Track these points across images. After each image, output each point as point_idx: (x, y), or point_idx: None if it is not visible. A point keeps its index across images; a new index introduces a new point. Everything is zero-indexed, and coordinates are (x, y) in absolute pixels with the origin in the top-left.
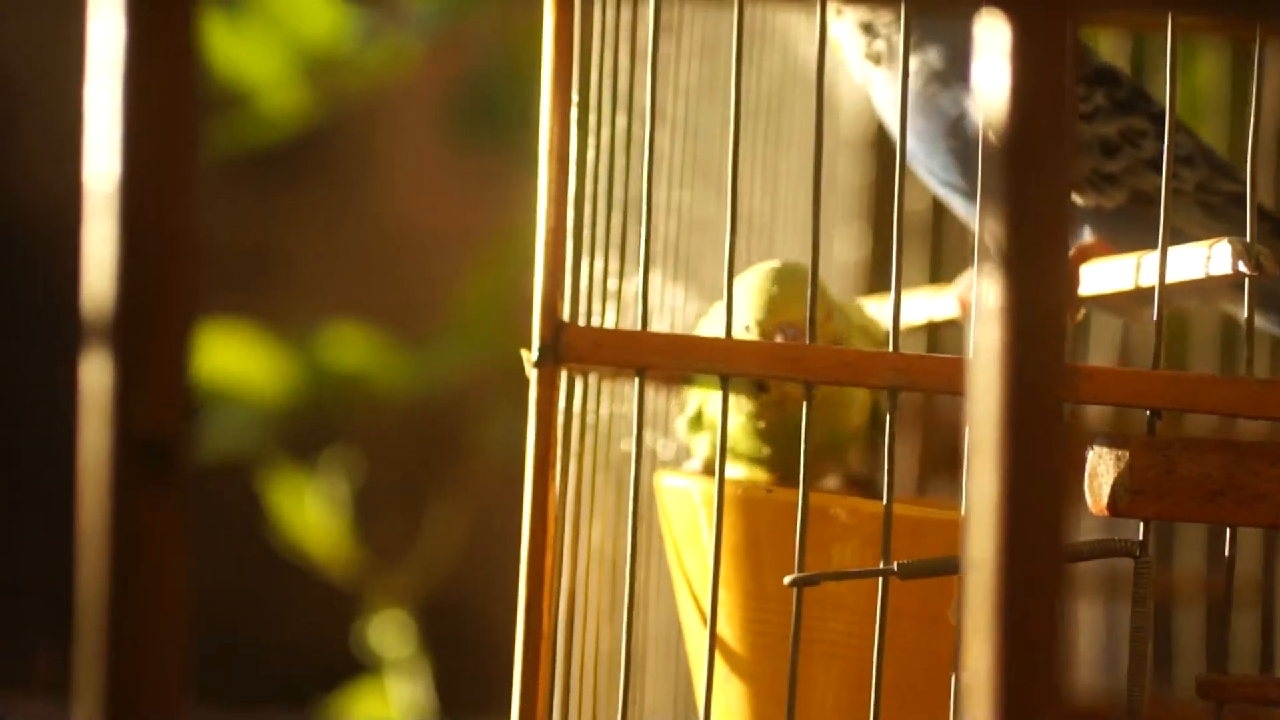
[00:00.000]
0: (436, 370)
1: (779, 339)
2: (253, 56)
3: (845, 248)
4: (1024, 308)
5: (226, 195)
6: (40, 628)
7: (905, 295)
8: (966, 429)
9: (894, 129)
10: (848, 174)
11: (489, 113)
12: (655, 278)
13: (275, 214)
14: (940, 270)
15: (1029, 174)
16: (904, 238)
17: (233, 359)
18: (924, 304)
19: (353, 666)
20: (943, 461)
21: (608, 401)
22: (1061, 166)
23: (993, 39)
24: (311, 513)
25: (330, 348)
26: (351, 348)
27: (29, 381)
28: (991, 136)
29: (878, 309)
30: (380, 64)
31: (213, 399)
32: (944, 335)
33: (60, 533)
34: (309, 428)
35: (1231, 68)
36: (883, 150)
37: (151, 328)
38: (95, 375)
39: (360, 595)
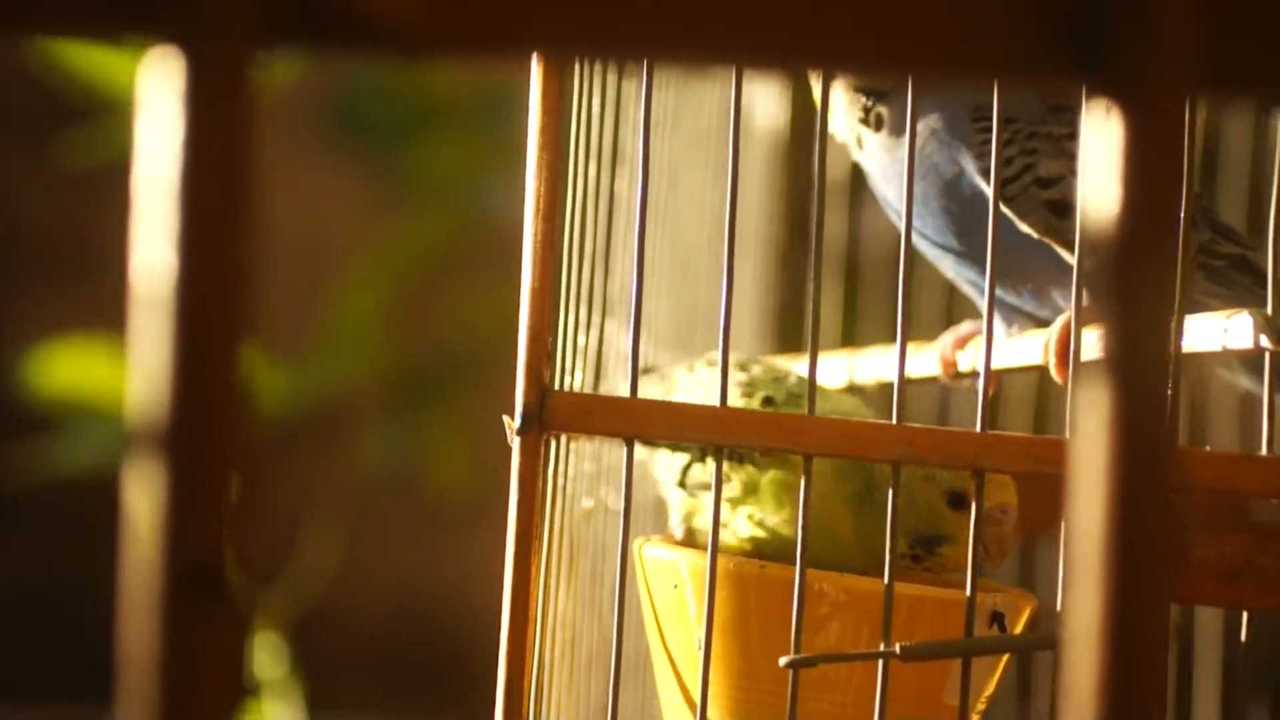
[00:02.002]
0: (309, 385)
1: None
2: (122, 65)
3: (756, 290)
4: (1131, 403)
5: (90, 205)
6: None
7: (870, 352)
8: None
9: (888, 192)
10: (758, 208)
11: (360, 126)
12: (612, 327)
13: None
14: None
15: (1138, 271)
16: (875, 288)
17: (98, 371)
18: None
19: None
20: None
21: (566, 456)
22: (1171, 263)
23: (1103, 125)
24: None
25: None
26: None
27: None
28: (1098, 229)
29: (837, 366)
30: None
31: (77, 412)
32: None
33: None
34: None
35: (1253, 122)
36: (797, 181)
37: (206, 444)
38: (142, 492)
39: None
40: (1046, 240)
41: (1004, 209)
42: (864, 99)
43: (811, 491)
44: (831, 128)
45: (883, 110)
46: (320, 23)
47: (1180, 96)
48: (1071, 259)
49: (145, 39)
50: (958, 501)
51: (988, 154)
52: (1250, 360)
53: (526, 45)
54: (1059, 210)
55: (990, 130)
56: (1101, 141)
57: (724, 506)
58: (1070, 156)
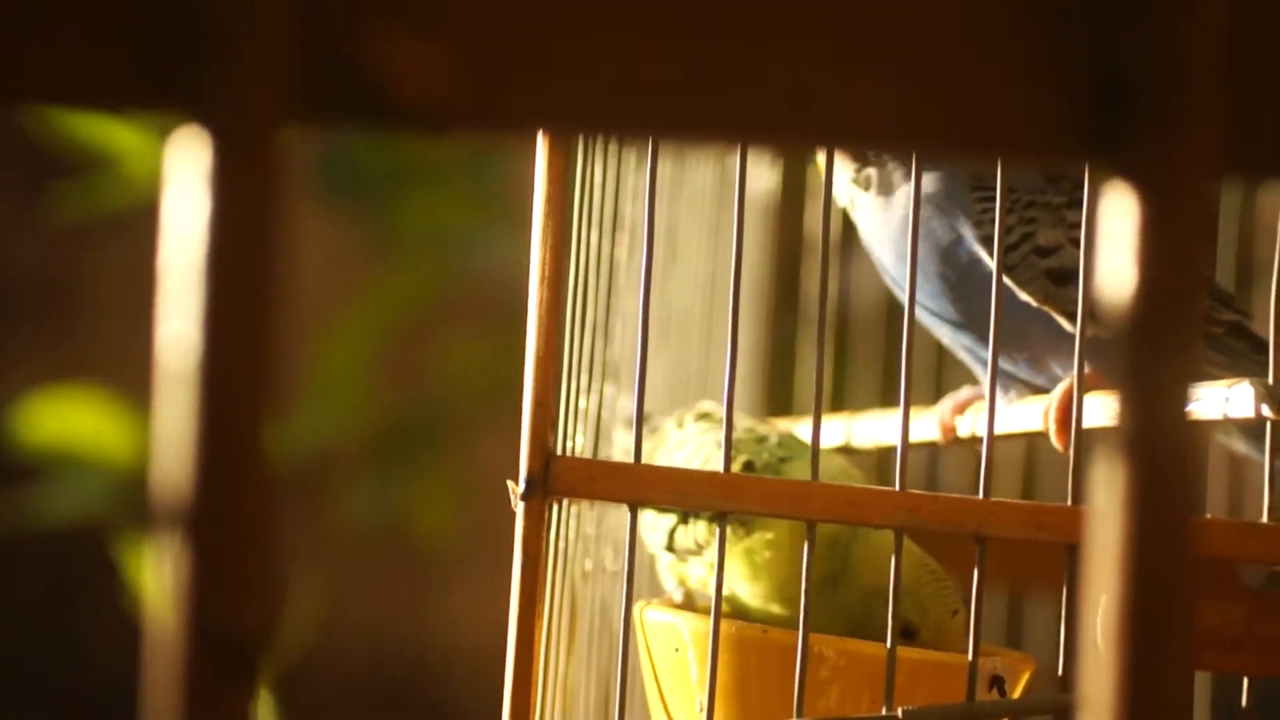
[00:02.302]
0: (294, 438)
1: None
2: (111, 119)
3: (744, 351)
4: (1152, 485)
5: (79, 257)
6: None
7: (867, 416)
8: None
9: (880, 255)
10: (747, 270)
11: (345, 179)
12: (611, 390)
13: (128, 275)
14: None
15: (1155, 356)
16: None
17: (85, 421)
18: (891, 426)
19: None
20: None
21: (566, 519)
22: (1191, 344)
23: (1119, 207)
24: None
25: None
26: None
27: None
28: (1116, 310)
29: (830, 429)
30: None
31: (64, 462)
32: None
33: None
34: None
35: (1241, 188)
36: (786, 243)
37: (232, 523)
38: (168, 565)
39: None
40: (1045, 309)
41: (1004, 278)
42: (855, 160)
43: (782, 562)
44: (836, 191)
45: (871, 171)
46: (345, 100)
47: (1204, 179)
48: (1069, 327)
49: (172, 117)
50: (907, 633)
51: (986, 223)
52: (1248, 427)
53: (548, 122)
54: (1058, 279)
55: (989, 200)
56: (1119, 221)
57: (705, 569)
58: (1069, 225)
